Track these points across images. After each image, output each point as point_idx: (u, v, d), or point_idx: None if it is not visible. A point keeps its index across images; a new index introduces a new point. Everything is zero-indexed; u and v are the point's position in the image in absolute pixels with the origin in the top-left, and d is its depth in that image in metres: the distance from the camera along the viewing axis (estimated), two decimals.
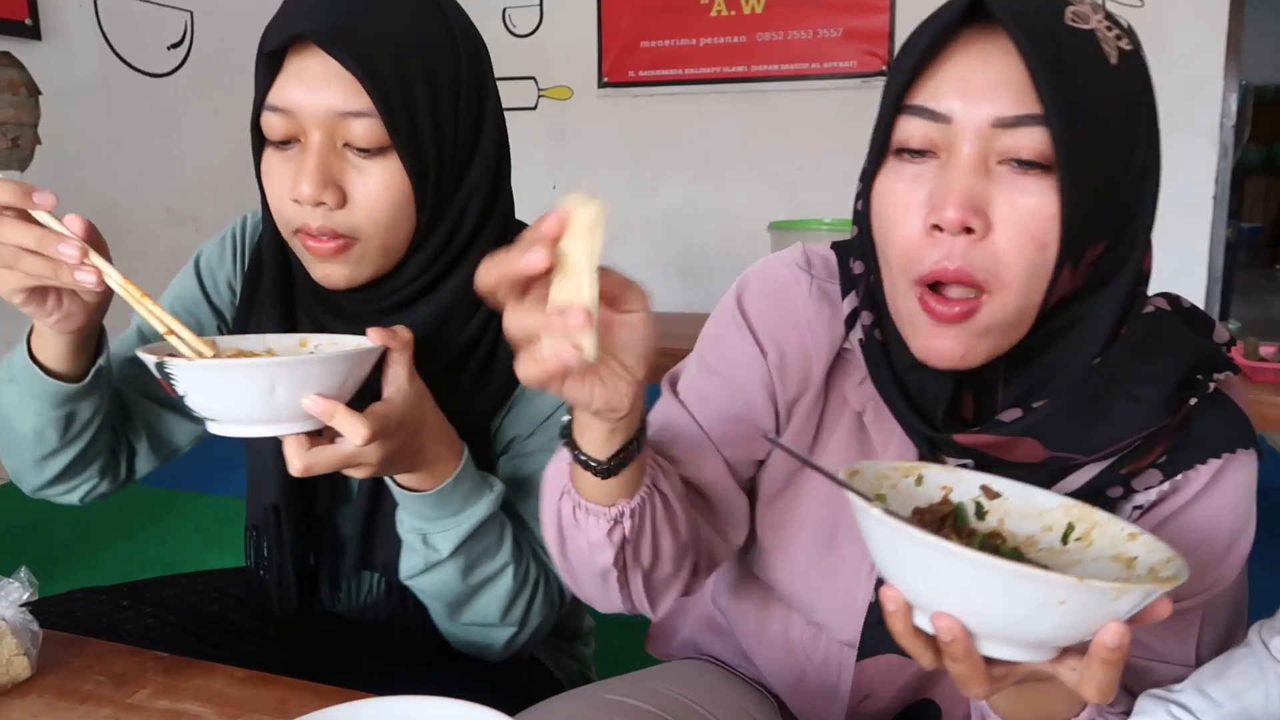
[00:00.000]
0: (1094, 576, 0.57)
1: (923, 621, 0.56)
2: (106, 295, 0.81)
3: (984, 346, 0.69)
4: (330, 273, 0.88)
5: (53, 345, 0.86)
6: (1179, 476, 0.73)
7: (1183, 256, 3.74)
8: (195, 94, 3.73)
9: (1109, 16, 0.68)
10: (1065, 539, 0.64)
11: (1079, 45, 0.65)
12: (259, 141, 0.87)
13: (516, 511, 0.97)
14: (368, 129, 0.82)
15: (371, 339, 0.80)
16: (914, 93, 0.69)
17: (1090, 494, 0.72)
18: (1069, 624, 0.52)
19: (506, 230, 0.96)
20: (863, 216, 0.75)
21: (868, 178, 0.73)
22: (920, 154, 0.69)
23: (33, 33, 3.12)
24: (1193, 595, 0.74)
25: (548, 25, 4.44)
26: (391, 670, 0.97)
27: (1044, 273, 0.67)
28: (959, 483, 0.68)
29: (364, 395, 0.79)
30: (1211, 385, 0.72)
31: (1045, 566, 0.61)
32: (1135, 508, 0.75)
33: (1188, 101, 3.70)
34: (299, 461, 0.77)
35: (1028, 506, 0.66)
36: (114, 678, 0.79)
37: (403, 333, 0.82)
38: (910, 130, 0.69)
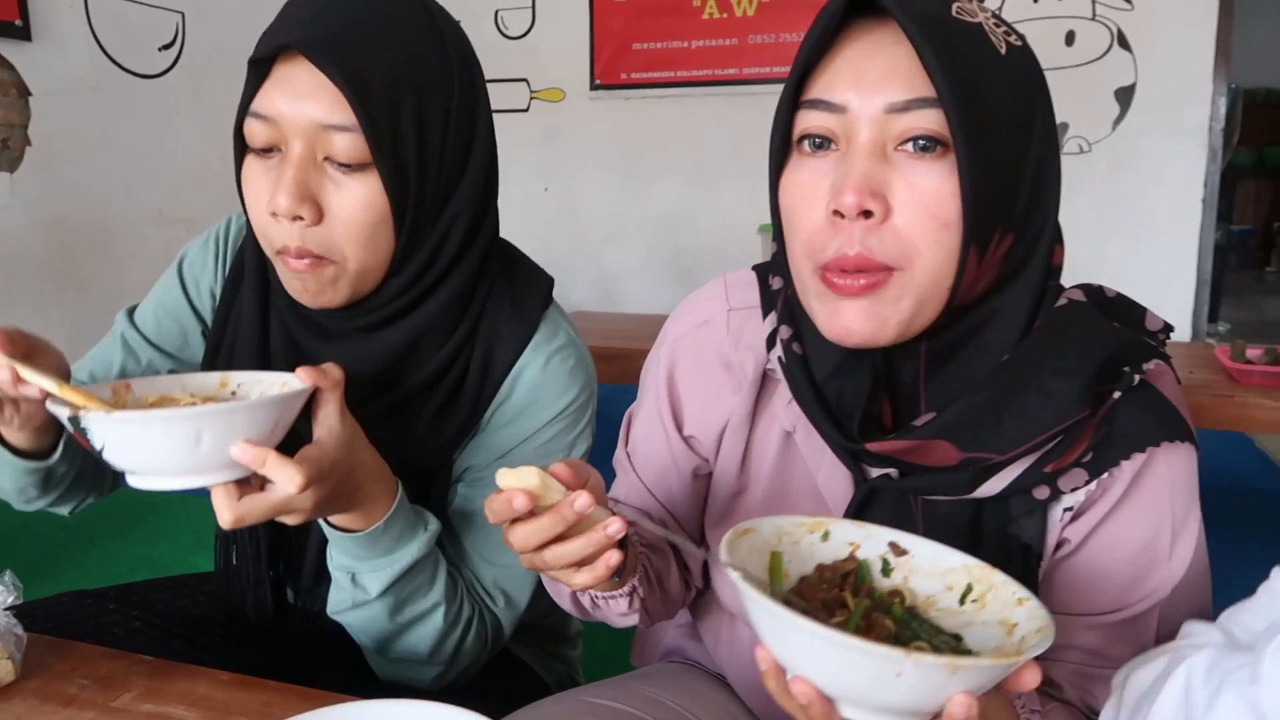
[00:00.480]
0: (980, 641, 0.60)
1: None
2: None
3: (895, 320, 0.69)
4: (305, 288, 0.87)
5: (17, 435, 0.83)
6: (1105, 475, 0.72)
7: (1172, 259, 3.75)
8: (186, 95, 3.73)
9: (996, 16, 0.70)
10: (962, 600, 0.64)
11: (967, 34, 0.66)
12: (241, 148, 0.87)
13: (461, 545, 0.96)
14: (349, 144, 0.81)
15: (301, 379, 0.76)
16: (810, 87, 0.70)
17: (1017, 496, 0.72)
18: (914, 694, 0.52)
19: (489, 253, 0.96)
20: (777, 223, 0.75)
21: (774, 173, 0.73)
22: (821, 146, 0.70)
23: (23, 34, 3.11)
24: (1141, 600, 0.74)
25: (540, 27, 4.44)
26: (359, 665, 0.97)
27: (950, 254, 0.67)
28: (868, 539, 0.67)
29: (291, 436, 0.76)
30: (1137, 377, 0.71)
31: (937, 628, 0.62)
32: (1066, 509, 0.74)
33: (1177, 105, 3.71)
34: (229, 514, 0.73)
35: (933, 565, 0.65)
36: (98, 681, 0.79)
37: (333, 371, 0.78)
38: (809, 123, 0.69)
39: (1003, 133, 0.67)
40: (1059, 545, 0.76)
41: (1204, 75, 3.66)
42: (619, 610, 0.80)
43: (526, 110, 4.51)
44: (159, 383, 0.80)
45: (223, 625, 1.07)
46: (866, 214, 0.66)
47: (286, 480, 0.72)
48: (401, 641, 0.93)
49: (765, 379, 0.84)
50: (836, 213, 0.67)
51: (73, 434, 0.69)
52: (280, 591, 1.03)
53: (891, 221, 0.67)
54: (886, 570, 0.66)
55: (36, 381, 0.71)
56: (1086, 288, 0.78)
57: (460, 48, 0.90)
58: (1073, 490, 0.73)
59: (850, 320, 0.69)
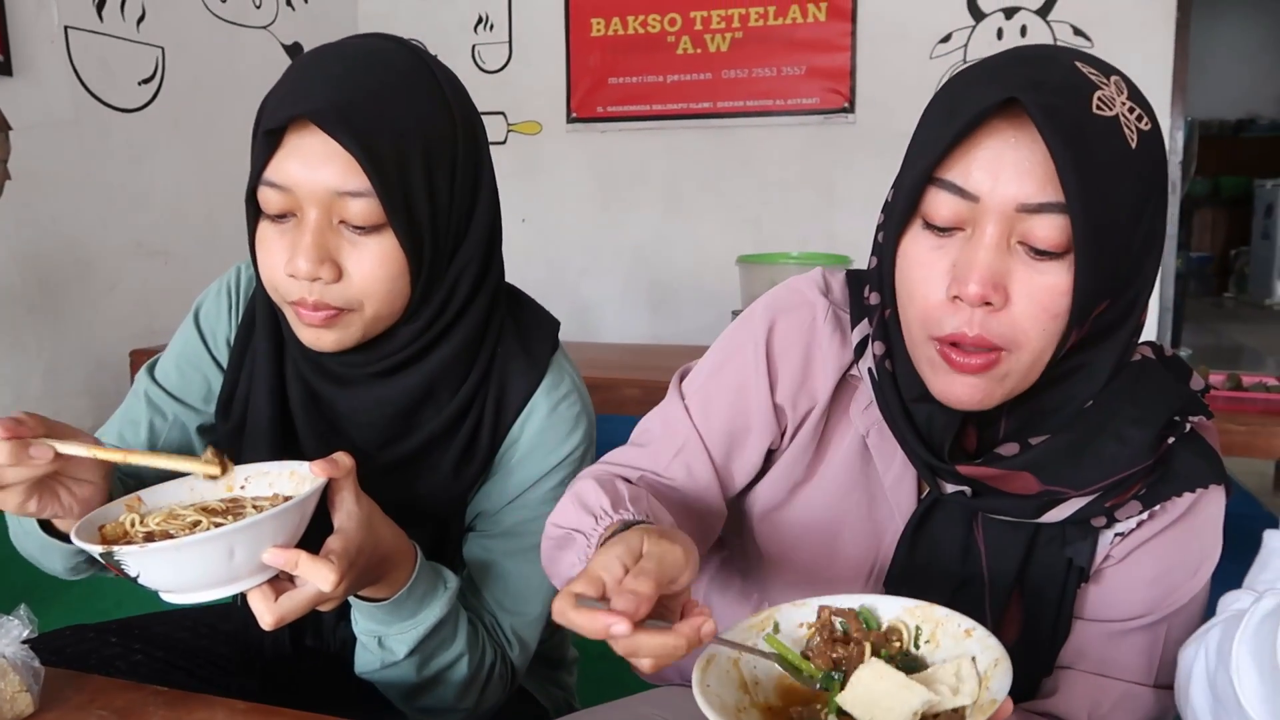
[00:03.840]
0: (941, 681, 0.62)
1: None
2: (107, 468, 0.82)
3: (999, 392, 0.75)
4: (319, 338, 0.88)
5: (66, 523, 0.83)
6: (1157, 507, 0.78)
7: None
8: (166, 129, 3.74)
9: (1132, 94, 0.72)
10: (916, 643, 0.66)
11: (1102, 133, 0.68)
12: (254, 213, 0.88)
13: (480, 594, 0.98)
14: (365, 208, 0.83)
15: (314, 472, 0.78)
16: (946, 168, 0.72)
17: (1076, 523, 0.78)
18: None
19: (497, 297, 0.98)
20: (885, 258, 0.79)
21: (892, 233, 0.77)
22: (945, 231, 0.73)
23: (4, 69, 3.12)
24: (1159, 610, 0.80)
25: (517, 62, 4.50)
26: (382, 704, 0.98)
27: (1055, 338, 0.72)
28: (801, 607, 0.70)
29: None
30: (1188, 427, 0.77)
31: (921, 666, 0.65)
32: (1116, 534, 0.80)
33: None
34: (270, 616, 0.75)
35: (880, 612, 0.69)
36: (117, 712, 0.81)
37: (344, 460, 0.80)
38: (939, 202, 0.73)
39: (1120, 228, 0.70)
40: (1104, 563, 0.82)
41: (1161, 110, 3.78)
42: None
43: (504, 143, 4.55)
44: (167, 491, 0.83)
45: (226, 659, 1.08)
46: (986, 303, 0.71)
47: (321, 580, 0.74)
48: (430, 693, 0.95)
49: (843, 381, 0.87)
50: (958, 297, 0.72)
51: (105, 565, 0.71)
52: (299, 630, 1.04)
53: (1009, 310, 0.72)
54: (846, 631, 0.68)
55: (73, 451, 0.75)
56: (1151, 344, 0.85)
57: (462, 102, 0.93)
58: (1126, 519, 0.79)
59: (961, 391, 0.75)
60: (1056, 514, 0.78)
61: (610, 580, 0.60)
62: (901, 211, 0.75)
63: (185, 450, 0.97)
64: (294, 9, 4.28)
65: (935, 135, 0.73)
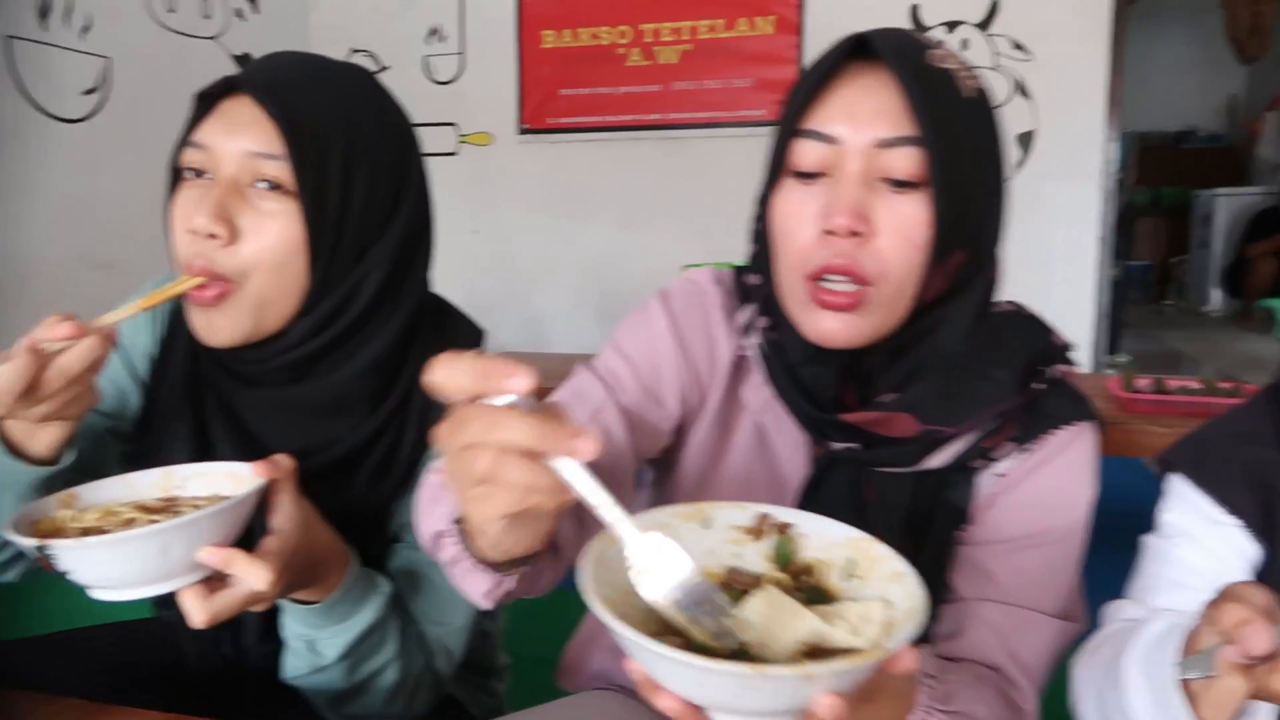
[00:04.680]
0: (861, 616, 0.60)
1: None
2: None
3: (867, 328, 0.80)
4: (210, 324, 0.89)
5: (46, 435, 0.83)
6: (1031, 445, 0.85)
7: (1073, 293, 3.95)
8: (111, 140, 3.69)
9: (960, 60, 0.82)
10: (846, 575, 0.65)
11: (942, 80, 0.78)
12: (175, 180, 0.90)
13: (406, 605, 0.98)
14: (275, 169, 0.86)
15: (255, 473, 0.79)
16: (807, 119, 0.80)
17: (958, 466, 0.84)
18: (777, 699, 0.52)
19: (419, 317, 0.99)
20: (760, 233, 0.85)
21: (764, 196, 0.84)
22: (812, 177, 0.80)
23: None
24: (1042, 535, 0.85)
25: (468, 73, 4.50)
26: (307, 715, 0.98)
27: (918, 270, 0.79)
28: (745, 512, 0.68)
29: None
30: (1055, 373, 0.86)
31: (832, 595, 0.63)
32: (997, 475, 0.86)
33: (1074, 149, 3.93)
34: (202, 614, 0.75)
35: (817, 539, 0.66)
36: None
37: (284, 462, 0.81)
38: (804, 151, 0.80)
39: (967, 169, 0.80)
40: (984, 500, 0.87)
41: (1097, 122, 3.89)
42: (472, 588, 0.71)
43: (455, 154, 4.56)
44: (104, 488, 0.82)
45: (149, 671, 1.07)
46: (855, 234, 0.77)
47: (257, 579, 0.75)
48: (357, 699, 0.95)
49: (738, 366, 0.93)
50: (829, 232, 0.78)
51: (36, 559, 0.70)
52: (218, 642, 1.04)
53: (875, 243, 0.78)
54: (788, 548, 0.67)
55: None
56: (1013, 303, 0.92)
57: (397, 122, 0.95)
58: (1003, 458, 0.86)
59: (831, 326, 0.81)
60: (939, 458, 0.83)
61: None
62: (773, 170, 0.82)
63: (96, 458, 0.96)
64: (244, 20, 4.25)
65: (796, 93, 0.80)
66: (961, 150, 0.78)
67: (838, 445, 0.85)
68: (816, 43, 4.08)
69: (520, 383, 0.52)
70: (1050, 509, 0.86)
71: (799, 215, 0.81)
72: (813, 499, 0.88)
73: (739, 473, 0.92)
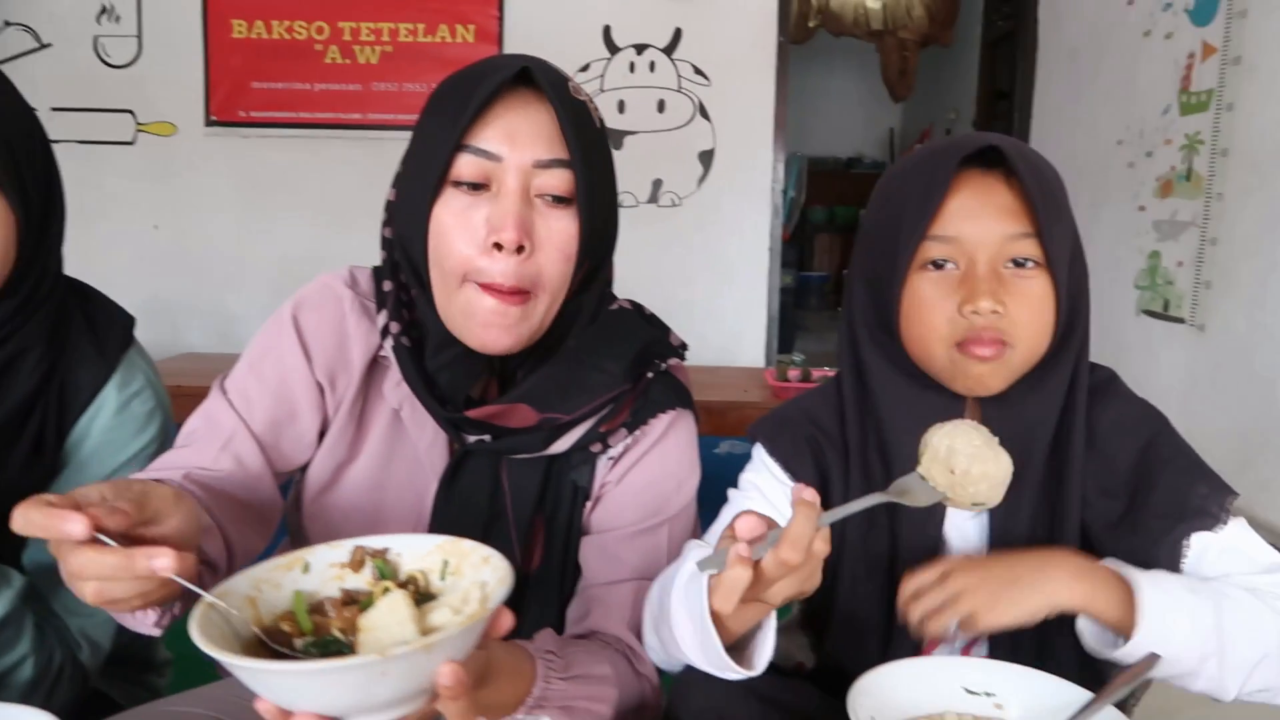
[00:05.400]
0: (461, 599, 0.66)
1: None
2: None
3: (526, 332, 0.89)
4: None
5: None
6: (638, 431, 0.96)
7: (749, 300, 4.37)
8: None
9: (587, 93, 0.92)
10: (443, 574, 0.70)
11: (582, 110, 0.88)
12: None
13: (46, 601, 0.96)
14: None
15: None
16: (471, 135, 0.85)
17: (579, 450, 0.94)
18: (408, 682, 0.56)
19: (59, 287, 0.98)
20: (415, 229, 0.88)
21: (423, 206, 0.87)
22: (476, 187, 0.86)
23: None
24: (654, 518, 0.96)
25: (147, 58, 4.17)
26: None
27: (567, 280, 0.89)
28: (335, 548, 0.71)
29: None
30: (664, 366, 0.98)
31: (430, 594, 0.68)
32: (610, 458, 0.97)
33: (746, 168, 4.35)
34: None
35: (411, 554, 0.72)
36: None
37: None
38: (465, 164, 0.85)
39: (602, 185, 0.90)
40: (604, 485, 0.97)
41: (765, 144, 4.33)
42: (142, 627, 0.75)
43: (132, 144, 4.21)
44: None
45: None
46: (520, 249, 0.84)
47: None
48: None
49: (374, 364, 0.96)
50: (497, 245, 0.84)
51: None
52: None
53: (535, 257, 0.86)
54: (382, 572, 0.71)
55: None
56: (632, 302, 1.03)
57: (14, 102, 0.94)
58: (618, 443, 0.95)
59: (495, 336, 0.87)
60: (562, 444, 0.93)
61: (83, 496, 0.60)
62: (434, 181, 0.86)
63: None
64: None
65: (456, 109, 0.85)
66: (598, 172, 0.88)
67: (473, 438, 0.91)
68: (518, 50, 4.20)
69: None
70: (662, 495, 0.97)
71: (462, 226, 0.85)
72: (451, 488, 0.95)
73: (377, 461, 0.96)
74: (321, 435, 0.97)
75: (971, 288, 0.86)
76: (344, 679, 0.53)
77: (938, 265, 0.90)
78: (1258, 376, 2.93)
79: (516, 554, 0.93)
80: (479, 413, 0.90)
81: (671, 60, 4.24)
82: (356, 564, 0.71)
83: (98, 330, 1.00)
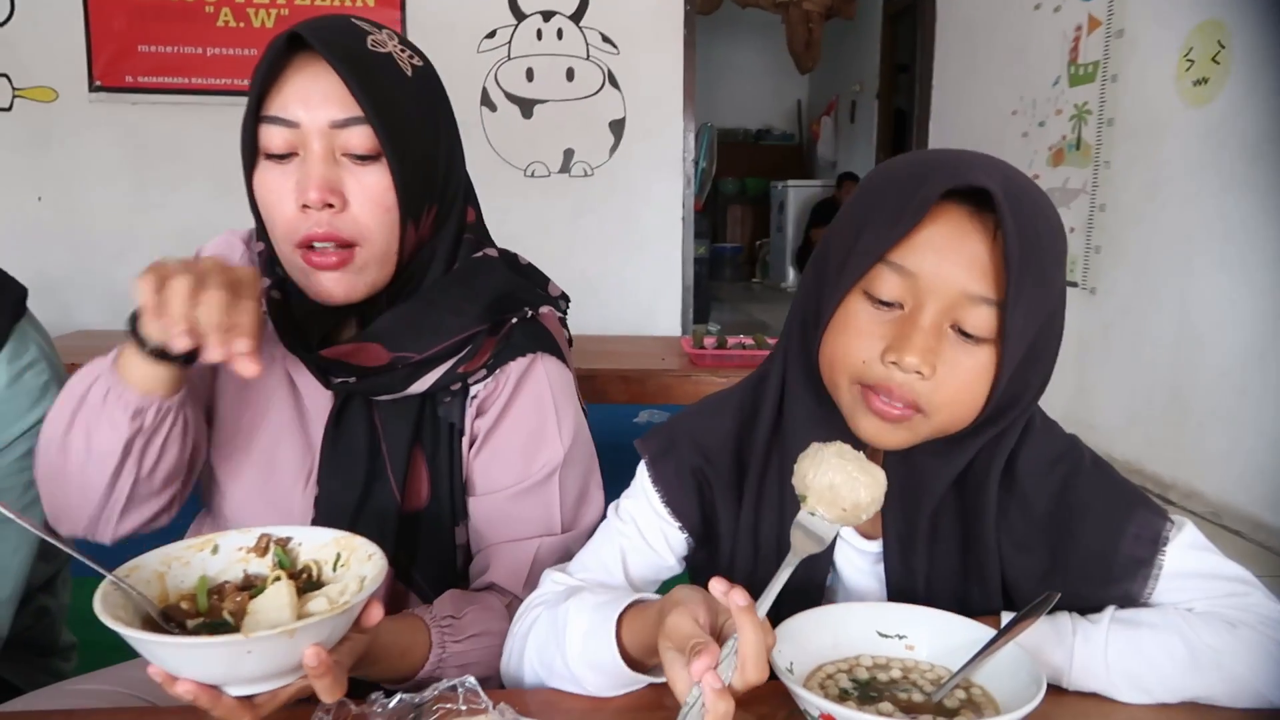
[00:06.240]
0: (339, 591, 0.73)
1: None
2: None
3: (362, 284, 0.90)
4: None
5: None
6: (499, 371, 0.97)
7: (663, 270, 4.40)
8: None
9: (403, 42, 0.92)
10: (335, 566, 0.77)
11: (383, 62, 0.88)
12: None
13: None
14: None
15: None
16: (267, 106, 0.87)
17: (441, 389, 0.95)
18: (274, 660, 0.64)
19: None
20: (251, 201, 0.91)
21: (248, 174, 0.90)
22: (284, 157, 0.87)
23: None
24: (539, 470, 0.98)
25: (21, 18, 3.93)
26: None
27: (394, 230, 0.90)
28: (245, 533, 0.78)
29: None
30: (529, 313, 0.99)
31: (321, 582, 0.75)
32: (473, 398, 0.98)
33: (657, 137, 4.37)
34: None
35: (311, 544, 0.78)
36: None
37: None
38: (270, 135, 0.87)
39: (416, 134, 0.89)
40: (473, 441, 0.98)
41: (675, 114, 4.35)
42: (117, 414, 0.80)
43: (9, 109, 3.97)
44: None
45: None
46: (330, 205, 0.85)
47: None
48: None
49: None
50: (305, 206, 0.85)
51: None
52: None
53: (350, 211, 0.87)
54: (289, 557, 0.78)
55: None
56: (503, 251, 1.04)
57: None
58: (478, 382, 0.97)
59: (328, 286, 0.89)
60: (422, 384, 0.94)
61: None
62: (248, 153, 0.89)
63: None
64: None
65: (254, 81, 0.87)
66: (411, 120, 0.88)
67: (338, 380, 0.93)
68: (418, 20, 4.12)
69: None
70: (536, 441, 0.97)
71: (278, 192, 0.87)
72: (336, 435, 0.96)
73: (269, 416, 0.98)
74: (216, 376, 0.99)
75: (905, 336, 0.74)
76: (213, 654, 0.62)
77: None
78: (1144, 336, 3.09)
79: (395, 491, 0.95)
80: (332, 351, 0.92)
81: (579, 28, 4.21)
82: (261, 549, 0.78)
83: None
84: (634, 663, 0.74)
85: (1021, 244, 0.71)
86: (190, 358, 0.78)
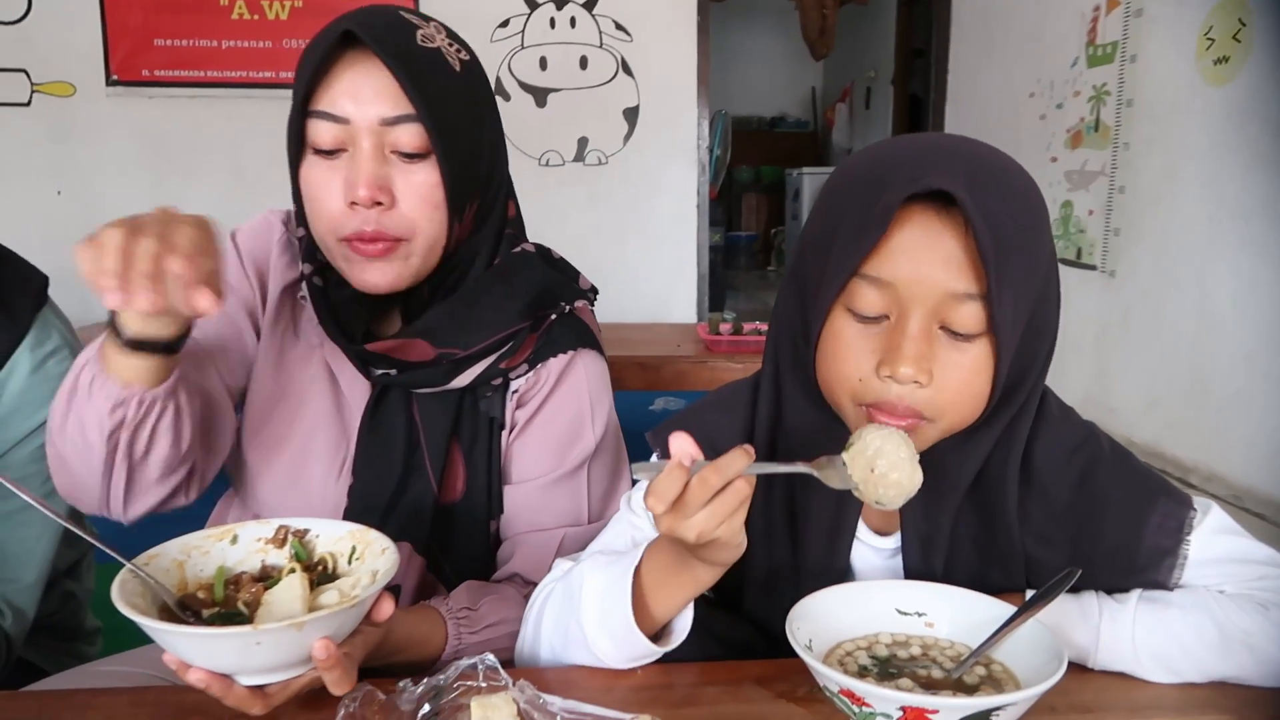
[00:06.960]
0: (351, 584, 0.75)
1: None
2: None
3: (408, 273, 0.90)
4: None
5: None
6: (540, 366, 0.97)
7: (677, 258, 4.39)
8: None
9: (450, 35, 0.91)
10: (350, 559, 0.78)
11: (431, 59, 0.87)
12: None
13: None
14: None
15: None
16: (316, 100, 0.86)
17: (481, 384, 0.95)
18: (283, 652, 0.65)
19: None
20: (295, 192, 0.91)
21: (293, 171, 0.90)
22: (332, 153, 0.86)
23: None
24: (570, 462, 0.98)
25: (40, 14, 3.97)
26: None
27: (442, 226, 0.90)
28: (264, 524, 0.80)
29: None
30: (567, 308, 0.99)
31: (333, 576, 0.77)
32: (513, 392, 0.98)
33: (671, 125, 4.35)
34: None
35: (327, 537, 0.80)
36: None
37: None
38: (319, 130, 0.86)
39: (464, 131, 0.89)
40: (513, 428, 0.99)
41: (690, 101, 4.33)
42: (100, 403, 0.77)
43: (28, 104, 4.01)
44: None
45: None
46: (378, 203, 0.85)
47: None
48: None
49: (294, 301, 0.99)
50: (354, 203, 0.85)
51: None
52: None
53: (398, 208, 0.87)
54: (305, 549, 0.80)
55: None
56: (539, 245, 1.03)
57: None
58: (519, 377, 0.97)
59: (374, 276, 0.89)
60: (464, 379, 0.94)
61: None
62: (294, 146, 0.88)
63: None
64: None
65: (301, 76, 0.86)
66: (459, 117, 0.88)
67: (379, 372, 0.93)
68: (432, 10, 4.08)
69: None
70: (572, 433, 0.98)
71: (325, 187, 0.87)
72: (373, 422, 0.96)
73: (305, 400, 0.98)
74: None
75: (895, 348, 0.72)
76: (222, 645, 0.63)
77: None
78: (1164, 319, 3.07)
79: (433, 484, 0.95)
80: (378, 346, 0.92)
81: (592, 16, 4.20)
82: (279, 541, 0.79)
83: (8, 290, 0.97)
84: (651, 625, 0.75)
85: (995, 234, 0.69)
86: (172, 346, 0.75)
